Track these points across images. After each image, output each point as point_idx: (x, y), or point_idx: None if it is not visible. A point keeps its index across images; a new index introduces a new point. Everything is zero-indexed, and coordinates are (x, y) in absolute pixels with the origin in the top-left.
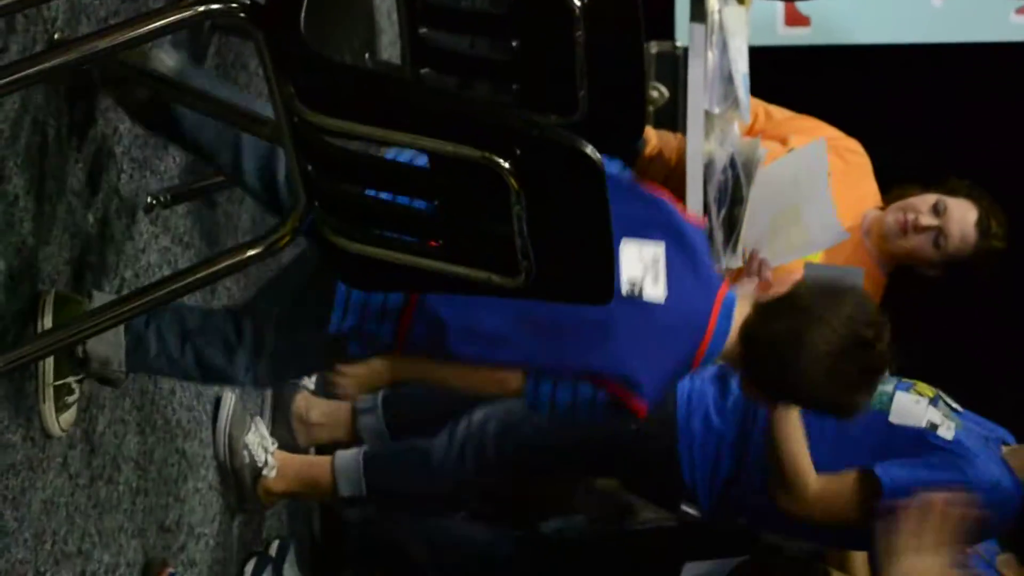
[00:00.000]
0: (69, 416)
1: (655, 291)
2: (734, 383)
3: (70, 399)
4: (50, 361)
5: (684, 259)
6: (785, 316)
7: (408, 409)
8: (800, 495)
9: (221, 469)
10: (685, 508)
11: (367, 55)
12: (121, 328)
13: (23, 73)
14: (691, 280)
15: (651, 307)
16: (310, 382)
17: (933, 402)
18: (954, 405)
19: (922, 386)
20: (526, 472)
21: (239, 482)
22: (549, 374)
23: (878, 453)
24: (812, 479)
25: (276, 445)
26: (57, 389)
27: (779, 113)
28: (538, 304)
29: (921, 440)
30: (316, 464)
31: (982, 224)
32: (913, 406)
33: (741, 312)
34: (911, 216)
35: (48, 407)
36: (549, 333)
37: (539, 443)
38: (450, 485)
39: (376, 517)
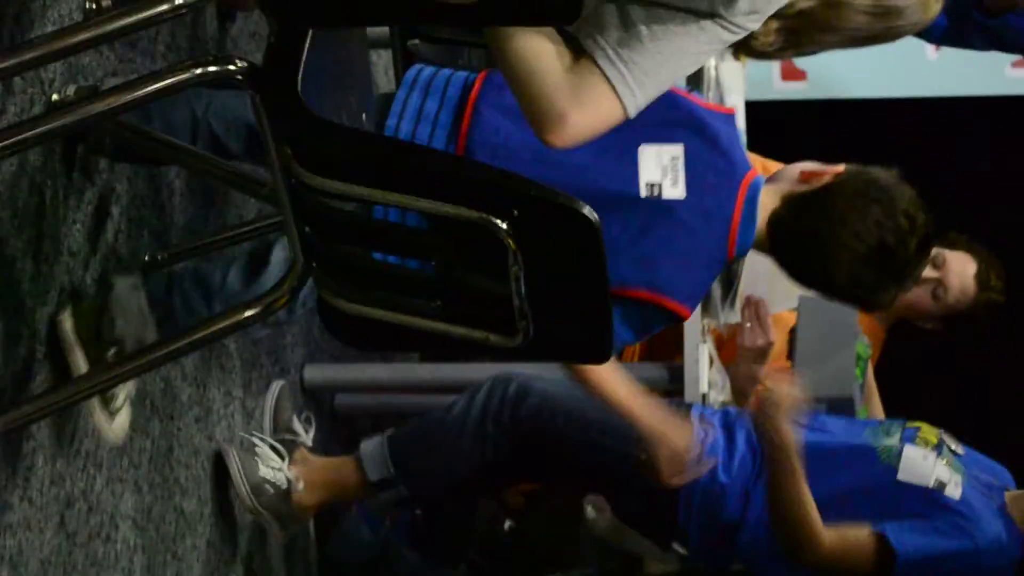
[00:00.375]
0: (123, 419)
1: (674, 191)
2: (740, 438)
3: (117, 402)
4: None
5: (707, 152)
6: (812, 214)
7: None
8: (811, 551)
9: (255, 516)
10: (675, 547)
11: (363, 115)
12: (145, 303)
13: (20, 136)
14: (713, 174)
15: (672, 206)
16: (307, 438)
17: (938, 449)
18: (956, 448)
19: (927, 430)
20: (535, 447)
21: (277, 515)
22: None
23: (887, 509)
24: (824, 536)
25: (287, 461)
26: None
27: (777, 167)
28: None
29: (929, 500)
30: (340, 464)
31: (981, 276)
32: (920, 463)
33: (769, 200)
34: None
35: (100, 417)
36: None
37: (558, 423)
38: (471, 447)
39: (374, 570)
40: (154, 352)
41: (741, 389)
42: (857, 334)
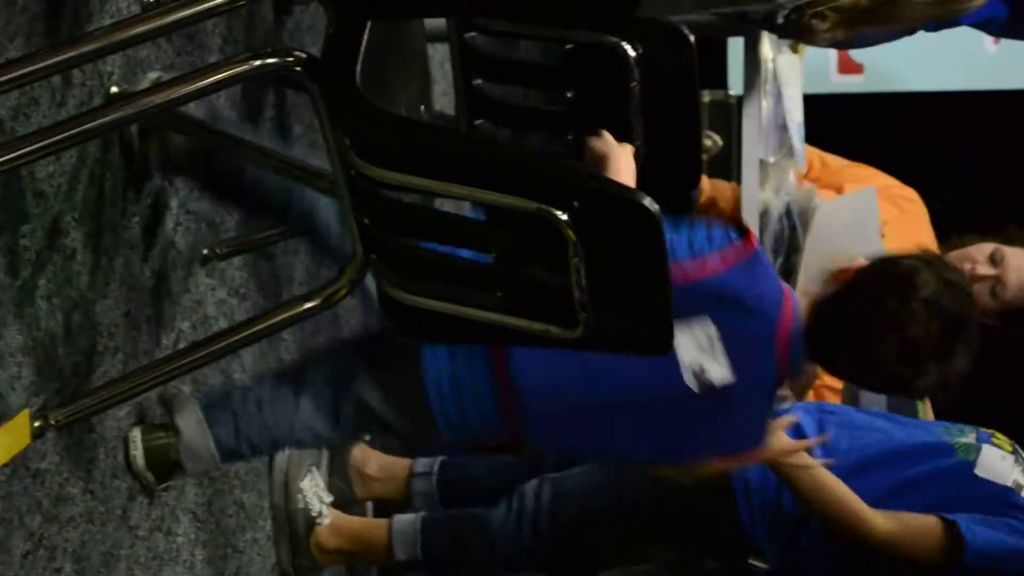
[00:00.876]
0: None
1: (720, 372)
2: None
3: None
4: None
5: (731, 312)
6: (838, 325)
7: (464, 479)
8: (868, 536)
9: (275, 513)
10: (753, 562)
11: (422, 107)
12: (212, 444)
13: (81, 128)
14: (750, 341)
15: (725, 392)
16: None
17: (1015, 455)
18: None
19: (1001, 438)
20: (583, 540)
21: (292, 530)
22: None
23: (960, 503)
24: (875, 519)
25: (332, 500)
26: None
27: (835, 161)
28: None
29: (1004, 499)
30: (373, 525)
31: None
32: (999, 462)
33: (804, 314)
34: (967, 266)
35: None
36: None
37: (594, 508)
38: (508, 554)
39: None
40: (214, 344)
41: (800, 386)
42: (875, 209)
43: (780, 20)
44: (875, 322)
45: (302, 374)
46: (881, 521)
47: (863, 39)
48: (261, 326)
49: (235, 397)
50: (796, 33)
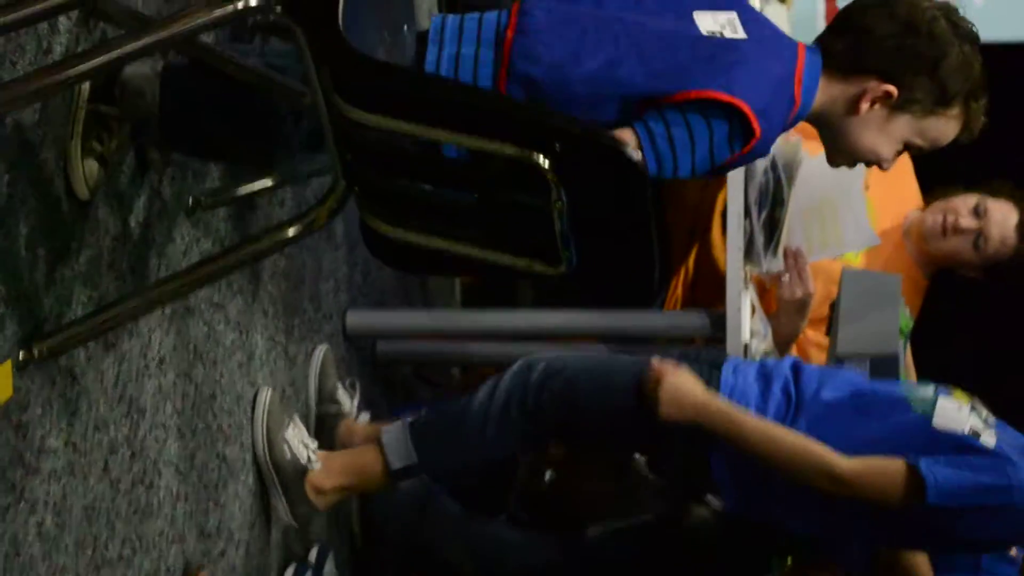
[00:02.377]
0: (94, 174)
1: (736, 35)
2: (776, 386)
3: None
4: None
5: (757, 23)
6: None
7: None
8: (832, 477)
9: (261, 466)
10: (710, 499)
11: (405, 26)
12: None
13: (67, 73)
14: (770, 31)
15: (737, 44)
16: (352, 406)
17: (972, 407)
18: (989, 417)
19: (959, 393)
20: (570, 418)
21: (284, 481)
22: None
23: (920, 453)
24: (838, 460)
25: (316, 444)
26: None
27: None
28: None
29: (964, 444)
30: (362, 451)
31: (1023, 227)
32: (955, 413)
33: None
34: (951, 218)
35: (75, 165)
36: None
37: (583, 385)
38: (497, 435)
39: (416, 521)
40: (200, 270)
41: (783, 341)
42: (900, 300)
43: None
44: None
45: None
46: (845, 461)
47: None
48: (246, 251)
49: None
50: None
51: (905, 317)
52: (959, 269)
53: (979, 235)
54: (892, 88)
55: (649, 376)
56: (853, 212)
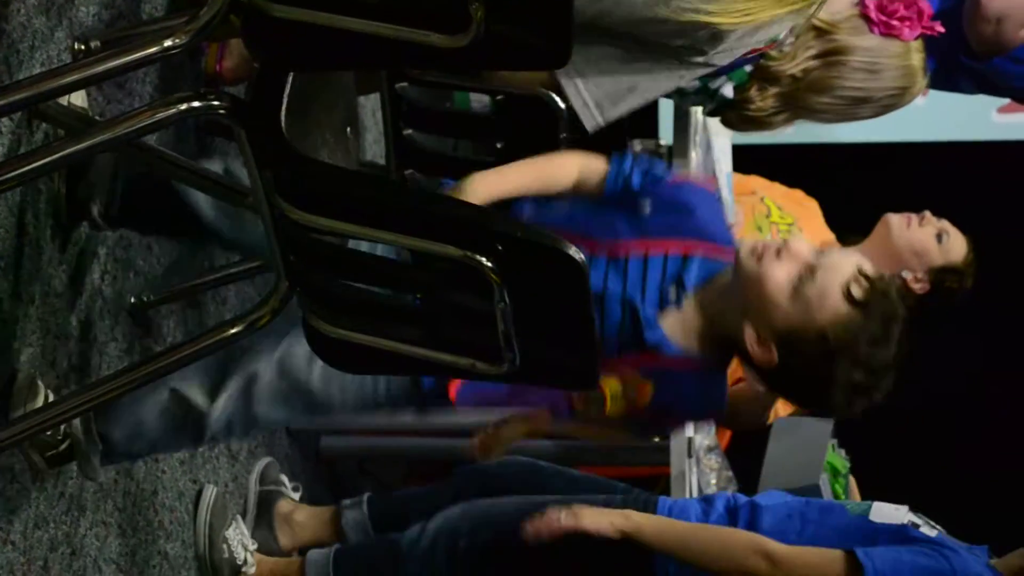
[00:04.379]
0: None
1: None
2: (719, 502)
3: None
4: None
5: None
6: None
7: (393, 504)
8: (768, 555)
9: (200, 562)
10: None
11: (348, 128)
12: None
13: (8, 175)
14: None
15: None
16: (289, 489)
17: (911, 510)
18: (928, 520)
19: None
20: (497, 567)
21: None
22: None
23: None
24: (773, 543)
25: (256, 547)
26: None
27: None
28: None
29: (903, 534)
30: (289, 563)
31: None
32: (893, 511)
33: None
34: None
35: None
36: None
37: (512, 536)
38: (417, 572)
39: None
40: (140, 370)
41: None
42: (828, 443)
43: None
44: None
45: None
46: (782, 548)
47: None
48: (187, 351)
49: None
50: (729, 110)
51: (841, 459)
52: (917, 269)
53: (943, 231)
54: None
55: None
56: None
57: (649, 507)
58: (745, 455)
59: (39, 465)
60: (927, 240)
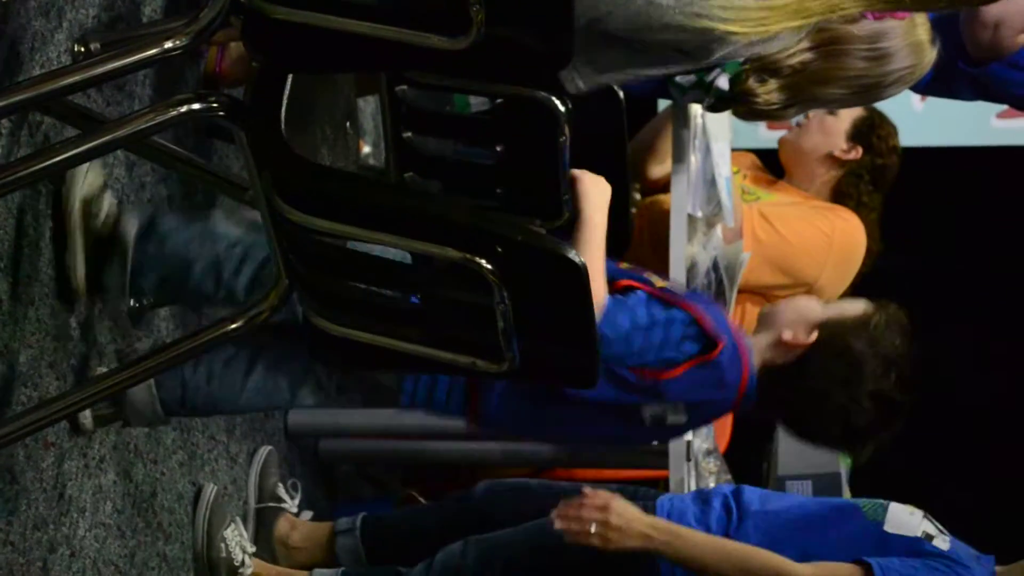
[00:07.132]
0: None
1: (676, 418)
2: (716, 502)
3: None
4: None
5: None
6: (787, 395)
7: (386, 531)
8: None
9: (196, 560)
10: None
11: (347, 123)
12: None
13: (8, 177)
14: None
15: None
16: (292, 504)
17: (923, 512)
18: (940, 526)
19: (911, 507)
20: None
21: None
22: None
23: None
24: (791, 566)
25: (255, 550)
26: None
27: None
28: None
29: (917, 547)
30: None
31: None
32: (907, 517)
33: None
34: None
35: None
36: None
37: (519, 571)
38: None
39: None
40: (139, 365)
41: None
42: None
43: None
44: (827, 410)
45: (256, 357)
46: (798, 566)
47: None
48: (185, 347)
49: (186, 366)
50: (739, 103)
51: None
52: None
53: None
54: None
55: (587, 505)
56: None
57: (648, 507)
58: (746, 455)
59: (85, 424)
60: (818, 124)
